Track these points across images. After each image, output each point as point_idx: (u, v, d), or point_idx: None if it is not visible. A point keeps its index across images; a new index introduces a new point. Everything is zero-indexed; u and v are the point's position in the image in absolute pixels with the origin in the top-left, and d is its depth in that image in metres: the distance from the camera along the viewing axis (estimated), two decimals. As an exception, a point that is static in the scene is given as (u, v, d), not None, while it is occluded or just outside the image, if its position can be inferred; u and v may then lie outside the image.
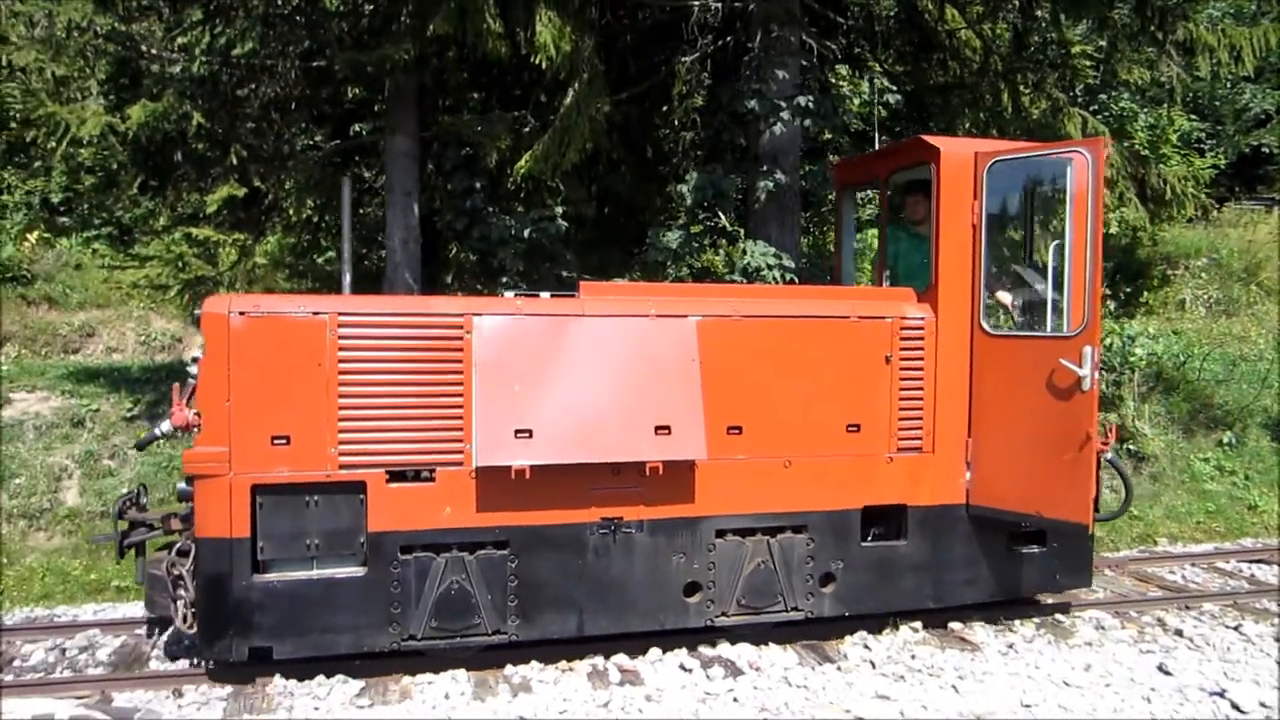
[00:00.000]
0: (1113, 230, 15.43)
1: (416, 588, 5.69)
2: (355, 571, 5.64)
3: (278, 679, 5.72)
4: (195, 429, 5.45)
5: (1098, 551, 8.36)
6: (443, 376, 5.68)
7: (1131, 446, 11.22)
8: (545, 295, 6.16)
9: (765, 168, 10.07)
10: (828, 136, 12.52)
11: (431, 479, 5.69)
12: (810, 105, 9.90)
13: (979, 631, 6.84)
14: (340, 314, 5.55)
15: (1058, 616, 7.15)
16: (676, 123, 12.92)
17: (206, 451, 5.39)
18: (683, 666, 6.12)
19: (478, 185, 10.96)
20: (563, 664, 6.10)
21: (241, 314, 5.42)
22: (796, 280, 9.68)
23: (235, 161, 11.26)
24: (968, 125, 12.75)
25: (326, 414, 5.52)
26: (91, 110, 11.20)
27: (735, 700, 5.64)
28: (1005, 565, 6.73)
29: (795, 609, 6.35)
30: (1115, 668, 6.13)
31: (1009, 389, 6.36)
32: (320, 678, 5.76)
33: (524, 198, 12.13)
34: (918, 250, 7.07)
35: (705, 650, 6.34)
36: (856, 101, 14.25)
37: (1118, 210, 13.57)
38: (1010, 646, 6.53)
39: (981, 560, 6.67)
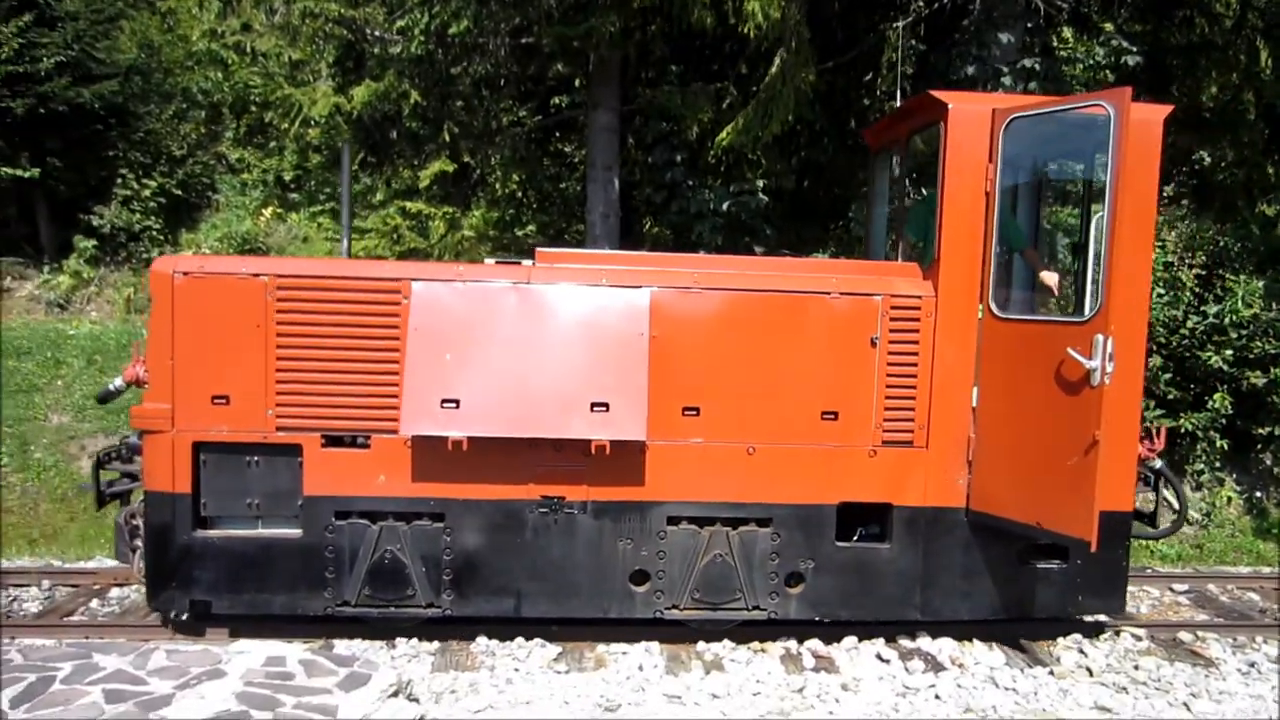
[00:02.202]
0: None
1: (350, 554, 5.66)
2: (291, 534, 5.67)
3: (481, 639, 5.88)
4: (145, 385, 5.63)
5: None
6: (380, 342, 5.58)
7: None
8: (491, 262, 5.95)
9: None
10: None
11: (367, 446, 5.62)
12: (1037, 68, 9.08)
13: (1214, 646, 6.24)
14: (279, 275, 5.55)
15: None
16: (882, 92, 12.49)
17: (152, 408, 5.55)
18: (880, 657, 5.92)
19: (678, 159, 11.05)
20: (755, 645, 6.01)
21: (185, 274, 5.51)
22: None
23: (448, 138, 11.84)
24: (1214, 90, 11.49)
25: (265, 375, 5.55)
26: (321, 92, 12.21)
27: (937, 697, 5.40)
28: (1014, 580, 5.95)
29: (757, 608, 5.86)
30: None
31: (1017, 380, 5.57)
32: (520, 640, 5.90)
33: (723, 171, 12.09)
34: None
35: (904, 642, 6.12)
36: (1079, 67, 13.05)
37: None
38: (1252, 666, 5.95)
39: (984, 572, 5.91)
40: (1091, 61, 11.74)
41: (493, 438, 5.45)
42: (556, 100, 13.07)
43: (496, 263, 6.02)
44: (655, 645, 5.91)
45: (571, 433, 5.45)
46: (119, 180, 14.63)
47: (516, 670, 5.55)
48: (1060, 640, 6.26)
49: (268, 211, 16.06)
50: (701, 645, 5.96)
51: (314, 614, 5.70)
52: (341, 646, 5.75)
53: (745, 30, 9.00)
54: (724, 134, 9.79)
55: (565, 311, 5.58)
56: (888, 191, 6.93)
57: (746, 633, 6.03)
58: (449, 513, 5.67)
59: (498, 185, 14.43)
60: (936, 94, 5.73)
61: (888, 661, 5.86)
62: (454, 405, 5.40)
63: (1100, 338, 5.13)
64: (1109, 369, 5.15)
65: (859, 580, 5.88)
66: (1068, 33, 12.25)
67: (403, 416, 5.43)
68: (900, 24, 10.50)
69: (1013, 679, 5.63)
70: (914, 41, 11.22)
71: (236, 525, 5.73)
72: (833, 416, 5.75)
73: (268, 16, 12.72)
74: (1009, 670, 5.78)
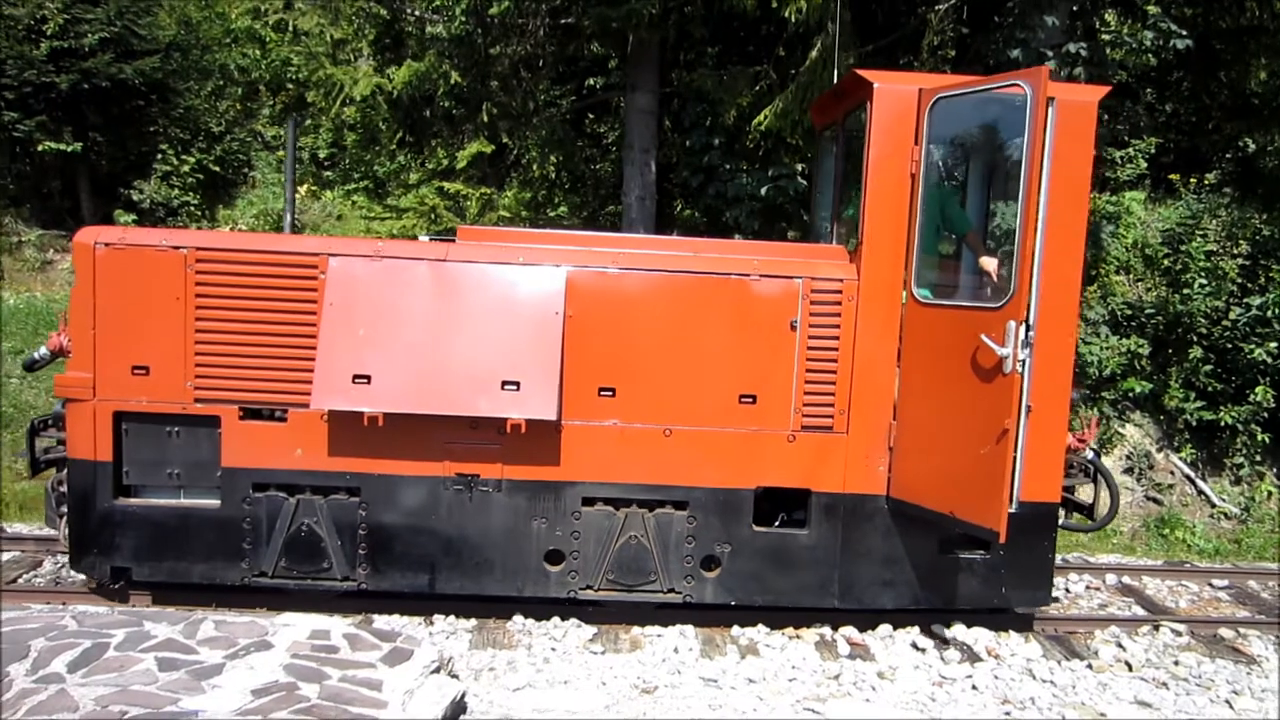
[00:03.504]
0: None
1: (268, 526, 5.72)
2: (210, 504, 5.74)
3: (518, 618, 5.98)
4: (68, 354, 5.71)
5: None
6: (296, 316, 5.61)
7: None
8: (424, 239, 5.94)
9: None
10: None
11: (284, 419, 5.66)
12: (1082, 52, 8.92)
13: (1255, 643, 6.16)
14: (199, 248, 5.59)
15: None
16: (925, 76, 12.27)
17: (74, 376, 5.64)
18: (915, 645, 5.91)
19: (715, 142, 11.00)
20: (789, 630, 6.03)
21: (106, 245, 5.58)
22: None
23: (486, 119, 11.96)
24: (1262, 76, 11.19)
25: (184, 347, 5.61)
26: (363, 71, 12.39)
27: (974, 688, 5.40)
28: (936, 570, 5.84)
29: (672, 590, 5.82)
30: None
31: (937, 366, 5.45)
32: (556, 619, 5.98)
33: (761, 155, 12.00)
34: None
35: (939, 630, 6.09)
36: (1121, 51, 12.81)
37: None
38: (1296, 663, 5.84)
39: (904, 561, 5.81)
40: (1137, 45, 11.53)
41: (407, 414, 5.47)
42: (591, 81, 13.05)
43: (431, 240, 6.01)
44: (690, 629, 5.94)
45: (481, 410, 5.44)
46: (159, 156, 14.92)
47: (553, 649, 5.62)
48: (1098, 633, 6.27)
49: (303, 189, 16.21)
50: (736, 630, 5.98)
51: (231, 584, 5.77)
52: (381, 622, 5.84)
53: (786, 14, 8.93)
54: (762, 117, 9.72)
55: (481, 290, 5.56)
56: (831, 171, 6.81)
57: (782, 619, 6.04)
58: (364, 487, 5.70)
59: (535, 166, 14.50)
60: (863, 73, 5.59)
61: (923, 650, 5.84)
62: (365, 381, 5.42)
63: (1012, 324, 5.00)
64: (1021, 356, 5.03)
65: (776, 566, 5.81)
66: (1111, 17, 11.98)
67: (314, 390, 5.46)
68: (942, 6, 10.33)
69: (1050, 671, 5.59)
70: (952, 25, 11.05)
71: (159, 495, 5.81)
72: (751, 400, 5.67)
73: None
74: (1046, 662, 5.74)
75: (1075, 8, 9.46)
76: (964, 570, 5.84)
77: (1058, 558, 8.06)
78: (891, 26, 11.13)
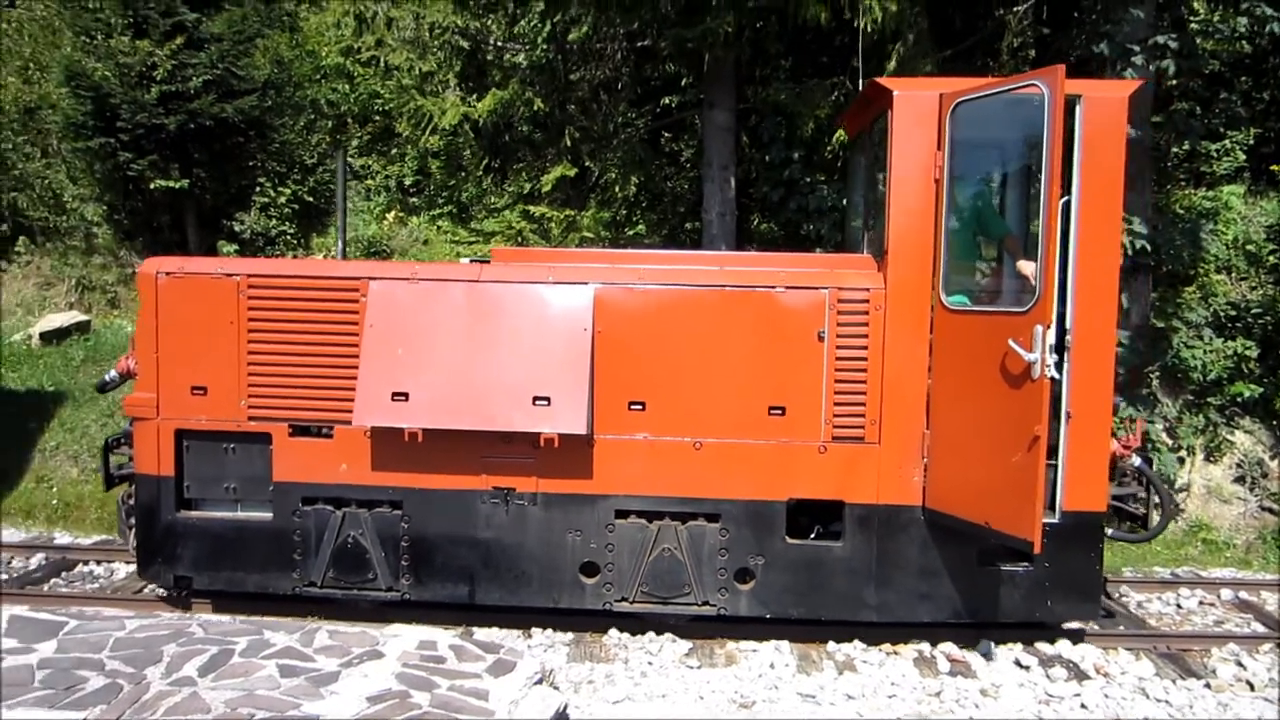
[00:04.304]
0: None
1: (316, 538, 5.96)
2: (263, 517, 6.02)
3: (613, 632, 6.12)
4: (135, 376, 6.09)
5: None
6: (340, 338, 5.87)
7: None
8: (465, 261, 6.16)
9: None
10: (1173, 81, 11.05)
11: (330, 435, 5.92)
12: (1171, 44, 8.82)
13: None
14: (250, 275, 5.91)
15: None
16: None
17: (140, 397, 6.00)
18: (1019, 663, 5.85)
19: (795, 156, 11.03)
20: (886, 647, 6.03)
21: (167, 274, 5.95)
22: (1149, 247, 8.90)
23: (568, 143, 12.36)
24: None
25: (237, 368, 5.93)
26: (450, 101, 12.98)
27: (1084, 706, 5.31)
28: (976, 582, 5.72)
29: (707, 603, 5.85)
30: None
31: (968, 374, 5.38)
32: (651, 634, 6.10)
33: (841, 166, 12.06)
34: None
35: (1044, 648, 6.02)
36: (1212, 40, 12.43)
37: None
38: None
39: (943, 573, 5.72)
40: (1230, 33, 11.09)
41: (444, 430, 5.65)
42: (666, 100, 13.30)
43: (470, 262, 6.23)
44: (785, 644, 5.94)
45: (513, 425, 5.59)
46: (257, 188, 15.64)
47: (650, 663, 5.70)
48: (1214, 651, 6.05)
49: (391, 216, 16.85)
50: (832, 645, 5.97)
51: (284, 593, 6.03)
52: (481, 634, 5.98)
53: (863, 25, 8.91)
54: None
55: (512, 308, 5.73)
56: (862, 180, 6.79)
57: (879, 634, 6.00)
58: (406, 500, 5.90)
59: (616, 188, 14.80)
60: (883, 81, 5.59)
61: (1027, 668, 5.74)
62: (403, 398, 5.63)
63: (1039, 328, 4.92)
64: (1050, 361, 4.93)
65: (811, 578, 5.78)
66: (1199, 4, 11.58)
67: (356, 408, 5.70)
68: (1021, 7, 10.19)
69: (1165, 690, 5.43)
70: (1029, 24, 10.87)
71: (217, 508, 6.13)
72: (780, 412, 5.68)
73: (397, 32, 13.52)
74: (1160, 681, 5.58)
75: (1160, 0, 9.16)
76: (1005, 583, 5.71)
77: (1165, 572, 7.87)
78: (969, 30, 10.96)
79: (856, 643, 5.98)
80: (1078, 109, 5.34)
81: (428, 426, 5.60)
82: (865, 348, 5.62)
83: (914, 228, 5.51)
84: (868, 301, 5.61)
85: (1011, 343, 5.00)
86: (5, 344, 13.44)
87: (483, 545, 5.89)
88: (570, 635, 6.08)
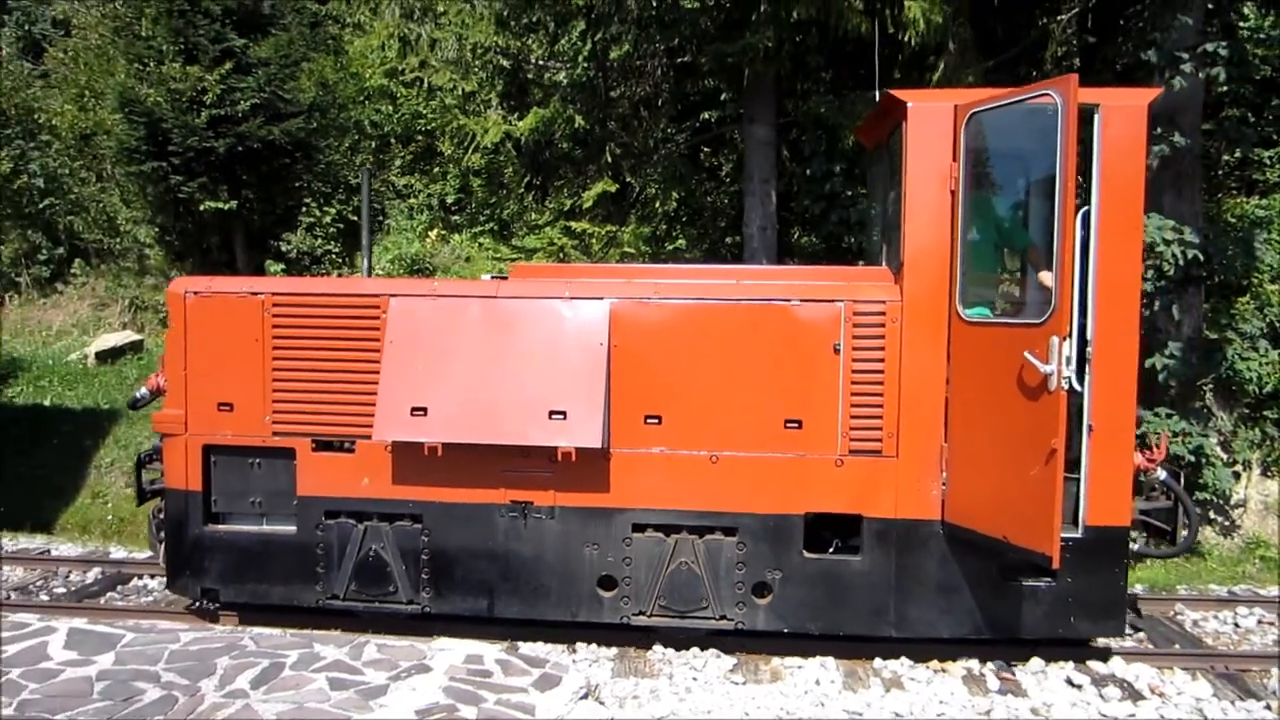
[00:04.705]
0: None
1: (339, 551, 6.05)
2: (287, 530, 6.13)
3: (657, 647, 6.09)
4: (164, 393, 6.25)
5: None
6: (361, 354, 5.96)
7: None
8: (486, 278, 6.23)
9: (1159, 129, 8.75)
10: (1224, 88, 10.80)
11: (352, 450, 6.01)
12: (1221, 51, 8.71)
13: None
14: (274, 294, 6.04)
15: None
16: (1048, 89, 12.07)
17: (169, 413, 6.15)
18: (1070, 681, 5.73)
19: (836, 169, 11.06)
20: (934, 664, 5.95)
21: (195, 293, 6.10)
22: (1200, 257, 8.76)
23: (609, 159, 12.53)
24: None
25: (263, 384, 6.05)
26: (492, 120, 13.25)
27: None
28: (996, 597, 5.62)
29: (724, 618, 5.82)
30: None
31: (985, 386, 5.31)
32: (695, 650, 6.05)
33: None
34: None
35: (1095, 666, 5.90)
36: (1264, 46, 12.20)
37: None
38: None
39: (963, 588, 5.63)
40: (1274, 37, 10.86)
41: (463, 444, 5.71)
42: (705, 115, 13.38)
43: (489, 278, 6.31)
44: (830, 660, 5.90)
45: (530, 439, 5.62)
46: (303, 209, 15.97)
47: (694, 679, 5.66)
48: (1274, 671, 5.87)
49: (433, 233, 17.11)
50: (879, 662, 5.91)
51: (307, 606, 6.12)
52: (526, 649, 6.00)
53: (905, 37, 8.88)
54: None
55: (529, 323, 5.78)
56: (880, 192, 6.74)
57: (926, 651, 5.93)
58: (426, 514, 5.96)
59: (657, 203, 14.89)
60: (897, 93, 5.56)
61: (1079, 687, 5.62)
62: (422, 413, 5.70)
63: (1055, 340, 4.84)
64: (1066, 373, 4.85)
65: (829, 593, 5.73)
66: (1249, 10, 11.34)
67: (376, 423, 5.78)
68: (1065, 15, 10.08)
69: (1223, 711, 5.30)
70: (1074, 32, 10.78)
71: (243, 521, 6.25)
72: (797, 425, 5.65)
73: (440, 53, 13.80)
74: (1219, 702, 5.43)
75: (1210, 5, 8.94)
76: (1027, 598, 5.60)
77: (1222, 589, 7.66)
78: (1012, 40, 10.88)
79: (904, 659, 5.88)
80: (1096, 118, 5.26)
81: (446, 441, 5.66)
82: (882, 361, 5.57)
83: (930, 240, 5.46)
84: (884, 314, 5.56)
85: (1027, 355, 4.93)
86: (62, 363, 13.90)
87: (501, 558, 5.93)
88: (614, 650, 6.07)
